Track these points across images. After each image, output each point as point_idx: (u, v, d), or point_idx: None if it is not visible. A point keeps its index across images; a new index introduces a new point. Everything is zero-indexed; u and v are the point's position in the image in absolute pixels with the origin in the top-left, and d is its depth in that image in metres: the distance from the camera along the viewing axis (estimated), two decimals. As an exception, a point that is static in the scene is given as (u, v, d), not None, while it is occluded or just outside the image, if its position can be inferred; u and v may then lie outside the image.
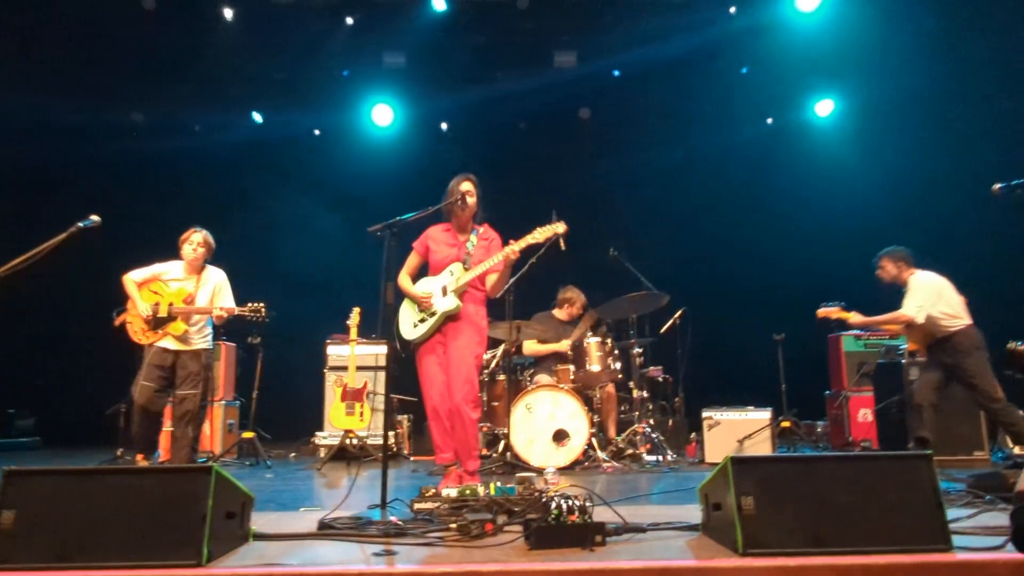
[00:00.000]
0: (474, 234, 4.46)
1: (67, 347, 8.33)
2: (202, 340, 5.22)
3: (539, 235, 4.20)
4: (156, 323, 5.07)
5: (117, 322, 5.21)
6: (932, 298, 5.19)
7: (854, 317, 5.50)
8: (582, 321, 6.43)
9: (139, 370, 5.06)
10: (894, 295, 5.44)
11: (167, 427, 5.71)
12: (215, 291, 5.28)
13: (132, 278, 5.18)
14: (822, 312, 5.60)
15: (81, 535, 2.54)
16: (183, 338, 5.09)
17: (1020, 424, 5.07)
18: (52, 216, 4.40)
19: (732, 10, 8.01)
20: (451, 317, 4.32)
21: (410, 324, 4.43)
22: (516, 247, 4.17)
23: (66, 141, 8.44)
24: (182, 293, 5.17)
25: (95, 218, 4.28)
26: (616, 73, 8.94)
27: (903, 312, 5.23)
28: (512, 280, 5.77)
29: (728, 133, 9.26)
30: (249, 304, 5.30)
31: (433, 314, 4.32)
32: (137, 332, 5.13)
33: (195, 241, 5.23)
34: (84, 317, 8.50)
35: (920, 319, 5.17)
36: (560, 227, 4.21)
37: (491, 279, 4.41)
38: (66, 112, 8.21)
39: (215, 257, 5.43)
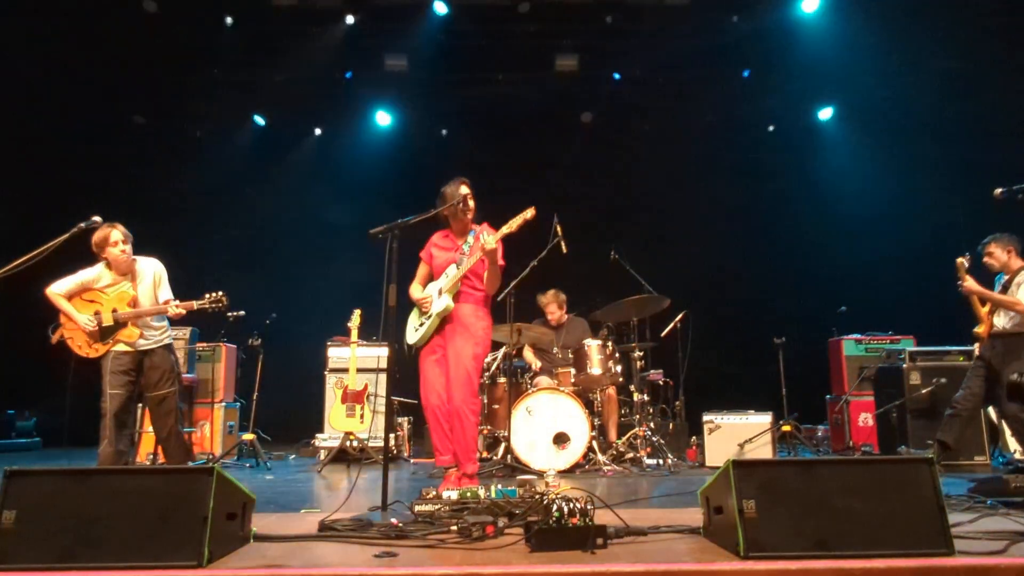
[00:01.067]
0: (471, 235, 4.48)
1: (67, 347, 8.32)
2: (163, 335, 4.81)
3: (512, 224, 4.22)
4: (103, 333, 4.65)
5: (55, 339, 4.72)
6: None
7: (968, 281, 5.26)
8: (567, 328, 6.48)
9: (100, 382, 4.62)
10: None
11: (151, 428, 5.23)
12: (155, 283, 4.80)
13: (57, 292, 4.67)
14: (960, 261, 5.30)
15: (82, 536, 2.54)
16: (138, 342, 4.69)
17: None
18: (53, 217, 4.41)
19: (735, 19, 8.00)
20: (447, 318, 4.33)
21: (412, 329, 4.48)
22: (491, 239, 4.17)
23: (69, 143, 8.45)
24: (124, 297, 4.70)
25: (97, 219, 4.28)
26: (617, 76, 8.95)
27: (1022, 299, 5.04)
28: (512, 284, 5.78)
29: (729, 136, 9.28)
30: (208, 295, 4.74)
31: (429, 316, 4.36)
32: (82, 346, 4.68)
33: (117, 239, 4.66)
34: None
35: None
36: (529, 212, 4.23)
37: (486, 276, 4.42)
38: (69, 114, 8.24)
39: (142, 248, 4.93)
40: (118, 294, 4.70)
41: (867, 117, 8.80)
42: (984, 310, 5.28)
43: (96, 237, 4.60)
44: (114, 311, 4.65)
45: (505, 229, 4.23)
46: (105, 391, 4.57)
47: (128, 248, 4.69)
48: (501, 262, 4.31)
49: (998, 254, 5.31)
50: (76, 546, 2.52)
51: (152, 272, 4.80)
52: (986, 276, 5.32)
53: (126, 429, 4.67)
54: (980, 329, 5.29)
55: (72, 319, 4.61)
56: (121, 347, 4.63)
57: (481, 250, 4.21)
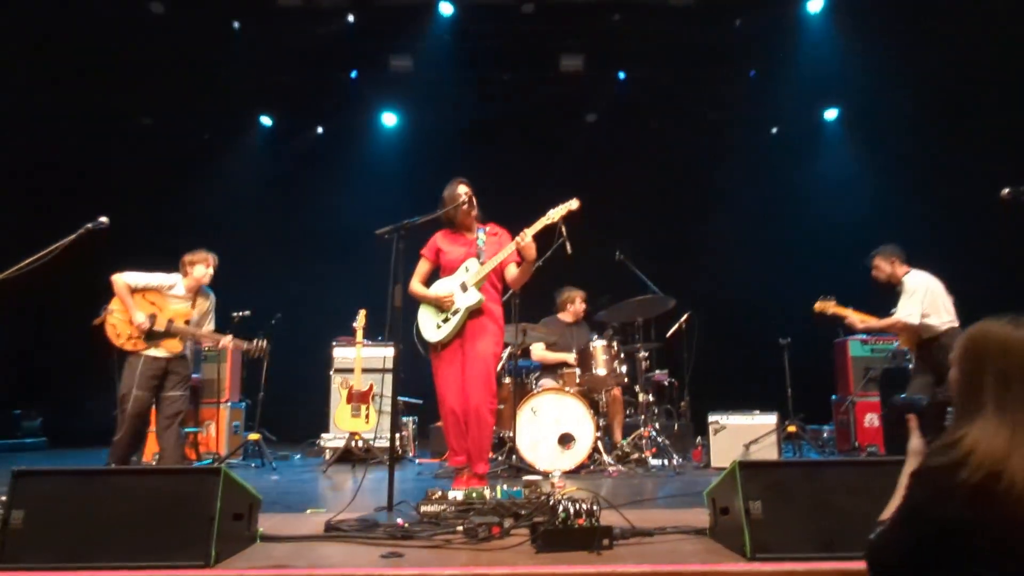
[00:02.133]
0: (481, 231, 4.49)
1: (74, 347, 8.35)
2: (186, 347, 5.19)
3: (554, 215, 4.22)
4: (150, 335, 4.90)
5: (98, 321, 4.97)
6: (927, 299, 5.15)
7: (852, 317, 5.46)
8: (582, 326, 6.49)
9: (123, 378, 4.89)
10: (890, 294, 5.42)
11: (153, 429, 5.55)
12: (204, 313, 5.26)
13: (126, 281, 4.96)
14: (819, 306, 5.57)
15: (89, 535, 2.55)
16: (177, 350, 5.02)
17: None
18: (61, 218, 4.42)
19: (740, 20, 7.98)
20: (473, 313, 4.32)
21: (433, 326, 4.43)
22: (528, 233, 4.18)
23: (77, 145, 8.49)
24: (183, 313, 5.06)
25: (104, 220, 4.30)
26: (622, 76, 8.95)
27: (899, 318, 5.19)
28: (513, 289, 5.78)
29: (735, 136, 9.26)
30: (257, 342, 5.43)
31: (456, 312, 4.33)
32: (121, 337, 4.91)
33: (212, 263, 5.21)
34: (91, 318, 8.56)
35: (915, 322, 5.14)
36: (574, 203, 4.23)
37: (511, 272, 4.42)
38: (77, 116, 8.27)
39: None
40: (178, 309, 5.09)
41: (873, 118, 8.77)
42: (898, 331, 5.39)
43: (195, 256, 5.16)
44: (171, 320, 5.01)
45: (545, 220, 4.22)
46: (132, 391, 4.85)
47: (211, 274, 5.24)
48: (535, 254, 4.27)
49: (883, 266, 5.41)
50: (84, 545, 2.53)
51: (210, 301, 5.31)
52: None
53: (141, 427, 4.98)
54: (901, 342, 5.42)
55: (129, 311, 4.91)
56: (155, 352, 4.95)
57: (520, 249, 4.19)
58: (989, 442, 1.33)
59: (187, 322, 5.07)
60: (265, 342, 5.41)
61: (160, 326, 4.95)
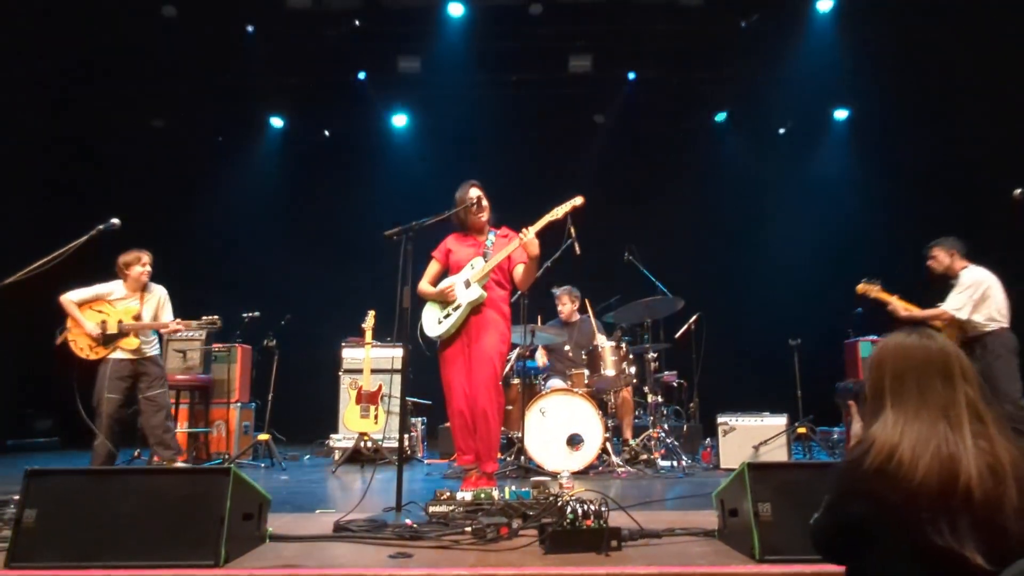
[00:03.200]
0: (492, 234, 4.50)
1: (69, 350, 8.42)
2: (153, 348, 5.45)
3: (558, 211, 4.22)
4: (106, 339, 5.22)
5: (59, 341, 5.29)
6: (979, 296, 5.07)
7: (896, 304, 5.35)
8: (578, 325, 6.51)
9: (96, 386, 5.18)
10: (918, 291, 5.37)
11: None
12: (158, 306, 5.51)
13: (71, 299, 5.28)
14: (862, 288, 5.45)
15: (100, 535, 2.57)
16: (138, 350, 5.28)
17: None
18: (73, 220, 4.46)
19: (748, 20, 7.95)
20: (475, 310, 4.33)
21: (435, 321, 4.45)
22: (531, 230, 4.18)
23: (88, 147, 8.55)
24: (130, 311, 5.33)
25: (115, 221, 4.34)
26: (631, 76, 8.94)
27: (947, 309, 5.12)
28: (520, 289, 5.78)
29: (744, 136, 9.24)
30: (204, 317, 5.60)
31: (458, 307, 4.34)
32: (84, 349, 5.24)
33: (146, 262, 5.43)
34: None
35: (963, 316, 5.07)
36: (578, 200, 4.22)
37: (518, 272, 4.42)
38: (87, 117, 8.33)
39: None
40: (125, 308, 5.34)
41: (882, 118, 8.73)
42: (941, 325, 5.24)
43: (128, 257, 5.38)
44: (120, 322, 5.27)
45: (550, 217, 4.22)
46: (102, 395, 5.17)
47: (149, 271, 5.45)
48: (537, 251, 4.27)
49: (941, 257, 5.34)
50: (95, 545, 2.55)
51: (159, 296, 5.53)
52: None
53: (117, 429, 5.23)
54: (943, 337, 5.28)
55: (79, 324, 5.22)
56: (120, 354, 5.24)
57: (523, 245, 4.20)
58: (886, 431, 1.56)
59: (136, 318, 5.32)
60: (216, 316, 5.64)
61: (112, 329, 5.25)
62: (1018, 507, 1.45)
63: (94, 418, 5.14)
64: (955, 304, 5.12)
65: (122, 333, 5.24)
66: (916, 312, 5.32)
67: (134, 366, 5.26)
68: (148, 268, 5.44)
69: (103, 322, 5.25)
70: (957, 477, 1.46)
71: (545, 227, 4.24)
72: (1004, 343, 5.05)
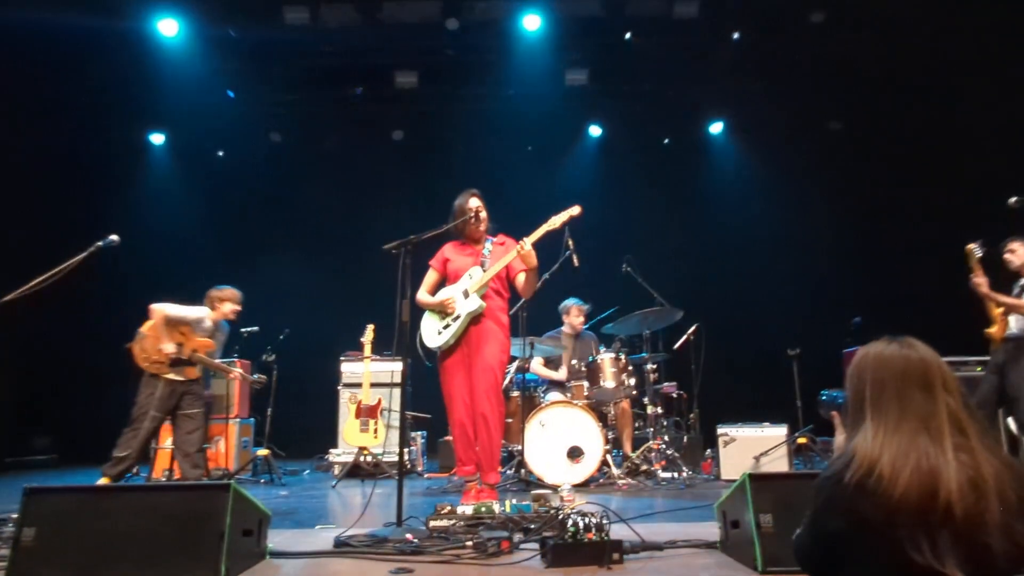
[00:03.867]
0: (489, 242, 4.51)
1: (84, 364, 8.40)
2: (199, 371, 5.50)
3: (555, 221, 4.24)
4: (173, 362, 5.20)
5: (130, 345, 5.27)
6: None
7: (980, 278, 5.14)
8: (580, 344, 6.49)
9: (140, 399, 5.13)
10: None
11: (167, 445, 5.96)
12: (221, 345, 5.64)
13: (165, 312, 5.24)
14: (971, 248, 5.21)
15: (100, 552, 2.56)
16: (192, 377, 5.33)
17: None
18: (70, 237, 4.46)
19: (741, 32, 8.00)
20: (475, 320, 4.33)
21: (434, 332, 4.45)
22: (528, 241, 4.20)
23: (86, 162, 8.57)
24: (207, 346, 5.38)
25: (114, 237, 4.33)
26: (626, 89, 8.98)
27: None
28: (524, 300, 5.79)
29: (739, 147, 9.28)
30: (257, 376, 6.03)
31: (457, 318, 4.34)
32: (146, 361, 5.19)
33: (239, 303, 5.55)
34: (100, 335, 8.60)
35: None
36: (575, 209, 4.24)
37: (520, 281, 4.44)
38: (86, 134, 8.35)
39: None
40: (204, 342, 5.39)
41: (879, 126, 8.77)
42: (998, 311, 5.16)
43: (224, 293, 5.52)
44: (194, 351, 5.30)
45: (546, 227, 4.24)
46: (148, 412, 5.10)
47: (239, 310, 5.59)
48: (535, 262, 4.28)
49: (1021, 251, 5.18)
50: (94, 562, 2.54)
51: (225, 334, 5.66)
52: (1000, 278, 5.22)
53: (149, 448, 5.35)
54: (993, 330, 5.17)
55: (162, 340, 5.20)
56: (174, 375, 5.22)
57: (520, 256, 4.21)
58: (866, 445, 1.52)
59: (209, 354, 5.38)
60: (264, 377, 5.95)
61: (184, 355, 5.25)
62: (1001, 523, 1.41)
63: (130, 427, 5.09)
64: None
65: (190, 362, 5.27)
66: (1003, 297, 5.11)
67: (183, 387, 5.27)
68: (239, 308, 5.57)
69: (180, 344, 5.25)
70: (937, 492, 1.42)
71: (543, 237, 4.26)
72: None
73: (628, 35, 7.81)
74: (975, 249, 5.17)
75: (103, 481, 5.02)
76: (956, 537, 1.40)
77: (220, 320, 5.53)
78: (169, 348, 5.17)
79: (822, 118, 9.18)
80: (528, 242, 4.21)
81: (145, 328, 5.26)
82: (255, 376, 6.00)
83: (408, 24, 7.93)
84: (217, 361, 5.48)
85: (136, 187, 8.99)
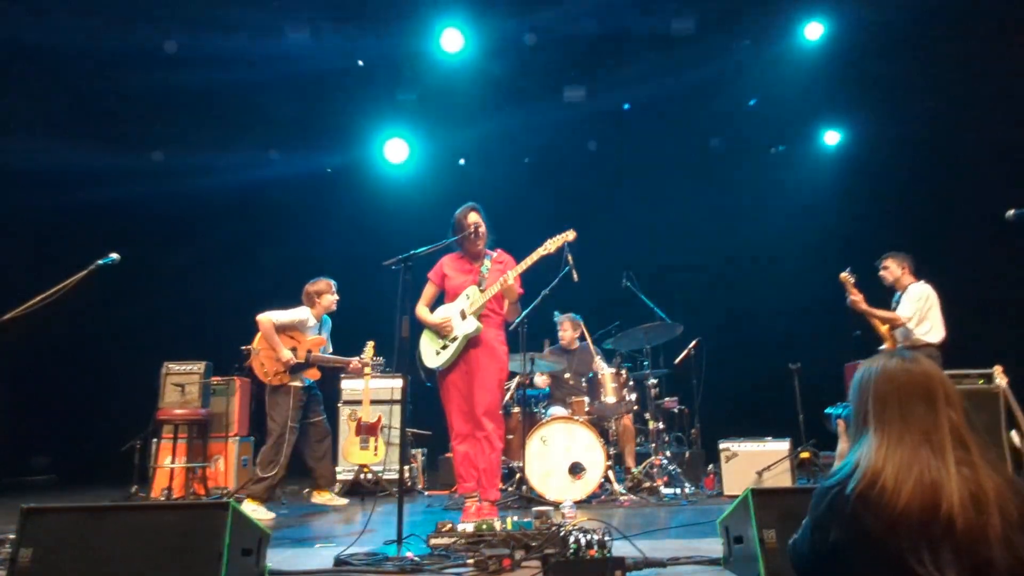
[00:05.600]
0: (488, 259, 4.52)
1: (82, 383, 8.38)
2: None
3: (550, 246, 4.26)
4: (293, 368, 5.20)
5: (248, 362, 5.30)
6: (925, 310, 5.41)
7: (858, 297, 5.54)
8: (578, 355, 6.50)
9: (274, 415, 5.15)
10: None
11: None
12: (328, 334, 5.65)
13: (272, 320, 5.23)
14: (844, 276, 5.61)
15: (98, 573, 2.53)
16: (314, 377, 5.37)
17: None
18: (72, 258, 4.46)
19: (740, 46, 8.05)
20: (472, 341, 4.33)
21: (432, 352, 4.46)
22: (511, 275, 4.23)
23: (86, 182, 8.58)
24: (318, 342, 5.38)
25: (115, 256, 4.33)
26: (626, 107, 9.03)
27: (903, 315, 5.42)
28: (525, 312, 5.79)
29: (739, 163, 9.30)
30: (374, 356, 5.99)
31: (455, 339, 4.35)
32: (268, 374, 5.20)
33: (335, 291, 5.53)
34: (100, 354, 8.59)
35: (913, 326, 5.38)
36: (570, 235, 4.27)
37: (507, 303, 4.46)
38: (86, 153, 8.37)
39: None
40: (314, 339, 5.38)
41: (876, 141, 8.81)
42: (885, 328, 5.55)
43: (319, 285, 5.47)
44: (309, 351, 5.23)
45: (542, 251, 4.26)
46: (287, 425, 5.13)
47: (337, 299, 5.54)
48: (520, 291, 4.35)
49: (893, 268, 5.67)
50: (92, 584, 2.51)
51: (329, 326, 5.63)
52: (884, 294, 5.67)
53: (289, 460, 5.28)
54: (885, 347, 5.46)
55: (277, 350, 5.15)
56: (297, 383, 5.23)
57: (503, 289, 4.24)
58: (870, 457, 1.56)
59: (323, 350, 5.42)
60: (381, 359, 6.02)
61: (301, 358, 5.27)
62: (1003, 536, 1.42)
63: (269, 445, 5.11)
64: (907, 312, 5.41)
65: (309, 364, 5.26)
66: (874, 310, 5.56)
67: (307, 393, 5.27)
68: (336, 296, 5.51)
69: (294, 349, 5.24)
70: (939, 505, 1.44)
71: (536, 262, 4.29)
72: (936, 359, 5.25)
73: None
74: (848, 277, 5.56)
75: (250, 503, 5.02)
76: (958, 549, 1.41)
77: (323, 313, 5.53)
78: (287, 355, 5.16)
79: (817, 129, 9.22)
80: (512, 275, 4.25)
81: (256, 342, 5.28)
82: (373, 359, 5.96)
83: (406, 40, 8.01)
84: (333, 356, 5.49)
85: (137, 209, 8.99)
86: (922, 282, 5.58)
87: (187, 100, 8.32)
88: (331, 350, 5.61)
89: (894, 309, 5.59)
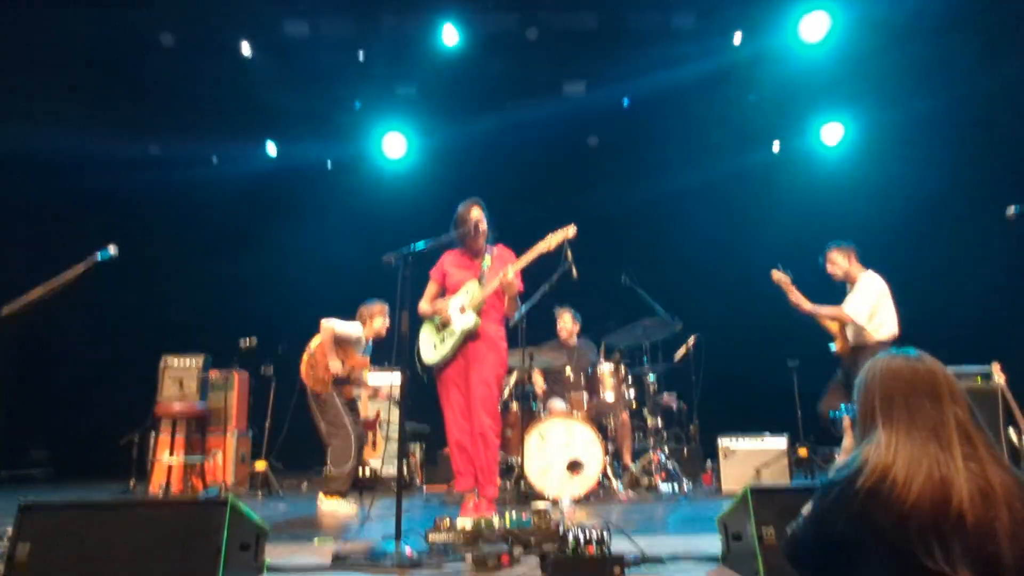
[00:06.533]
0: (488, 254, 4.51)
1: (81, 377, 8.37)
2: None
3: (551, 241, 4.25)
4: (335, 381, 5.25)
5: (306, 357, 5.32)
6: (878, 304, 5.08)
7: (797, 295, 5.31)
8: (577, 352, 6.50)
9: (330, 418, 5.22)
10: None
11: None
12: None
13: (335, 329, 5.27)
14: (778, 275, 5.42)
15: (96, 569, 2.53)
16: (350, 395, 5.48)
17: None
18: (70, 249, 4.45)
19: (737, 39, 8.03)
20: (471, 336, 4.32)
21: (430, 347, 4.45)
22: (511, 270, 4.21)
23: (84, 173, 8.56)
24: (363, 364, 5.44)
25: (112, 250, 4.32)
26: (625, 102, 9.01)
27: (847, 311, 5.09)
28: (524, 309, 5.78)
29: (738, 159, 9.28)
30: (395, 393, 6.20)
31: (452, 333, 4.34)
32: (311, 378, 5.25)
33: (386, 319, 5.54)
34: (98, 348, 8.57)
35: (861, 321, 5.05)
36: (571, 231, 4.25)
37: (507, 299, 4.45)
38: (84, 144, 8.34)
39: None
40: (362, 360, 5.46)
41: (876, 137, 8.79)
42: (834, 326, 5.27)
43: (374, 308, 5.51)
44: (353, 368, 5.35)
45: (543, 246, 4.25)
46: (344, 420, 5.23)
47: (387, 325, 5.56)
48: (520, 287, 4.33)
49: (839, 261, 5.31)
50: (90, 579, 2.50)
51: (370, 351, 5.67)
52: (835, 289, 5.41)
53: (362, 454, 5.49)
54: (837, 345, 5.28)
55: (328, 357, 5.21)
56: (335, 393, 5.29)
57: (502, 284, 4.23)
58: (878, 453, 1.57)
59: (364, 369, 5.49)
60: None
61: (345, 373, 5.29)
62: (1011, 531, 1.44)
63: (336, 442, 5.18)
64: (855, 307, 5.07)
65: (350, 381, 5.36)
66: (819, 308, 5.29)
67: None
68: (388, 322, 5.54)
69: (343, 362, 5.28)
70: (950, 499, 1.46)
71: (536, 259, 4.28)
72: None
73: None
74: (781, 275, 5.37)
75: (327, 499, 5.10)
76: (968, 544, 1.43)
77: (372, 337, 5.56)
78: (336, 366, 5.19)
79: (818, 124, 9.21)
80: (512, 270, 4.22)
81: (314, 345, 5.30)
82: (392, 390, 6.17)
83: (406, 34, 7.99)
84: (372, 385, 5.78)
85: (135, 201, 8.96)
86: (872, 272, 5.27)
87: (185, 90, 8.29)
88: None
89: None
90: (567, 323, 6.61)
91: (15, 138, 7.59)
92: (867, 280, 5.18)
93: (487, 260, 4.49)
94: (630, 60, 8.19)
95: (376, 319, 5.49)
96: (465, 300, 4.39)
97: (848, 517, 1.54)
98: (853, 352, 5.16)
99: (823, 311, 5.28)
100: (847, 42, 7.87)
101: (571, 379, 6.29)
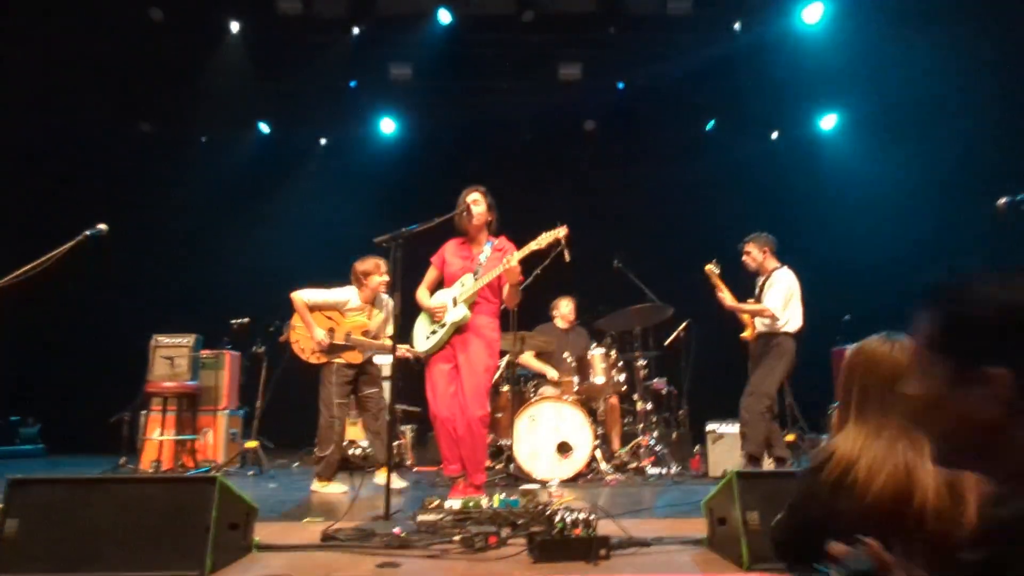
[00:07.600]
0: (488, 245, 4.51)
1: (72, 354, 8.35)
2: (369, 352, 5.29)
3: (542, 240, 4.25)
4: (331, 348, 5.09)
5: (283, 338, 5.25)
6: (789, 297, 5.29)
7: (725, 293, 5.48)
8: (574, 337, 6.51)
9: (322, 395, 5.11)
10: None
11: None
12: (384, 321, 5.35)
13: (304, 299, 5.14)
14: (709, 269, 5.55)
15: (84, 544, 2.54)
16: (361, 361, 5.19)
17: (763, 438, 5.23)
18: (59, 225, 4.42)
19: (736, 26, 8.00)
20: (461, 328, 4.34)
21: (423, 336, 4.49)
22: (515, 257, 4.21)
23: (74, 152, 8.49)
24: (360, 325, 5.17)
25: (102, 227, 4.29)
26: (620, 86, 8.97)
27: (768, 307, 5.28)
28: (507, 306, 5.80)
29: (733, 146, 9.27)
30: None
31: (443, 325, 4.36)
32: (305, 351, 5.15)
33: (385, 272, 5.19)
34: (89, 324, 8.54)
35: (779, 316, 5.24)
36: (561, 231, 4.25)
37: (506, 290, 4.46)
38: (74, 123, 8.27)
39: None
40: (355, 321, 5.17)
41: (873, 124, 8.78)
42: (747, 316, 5.50)
43: (366, 265, 5.18)
44: (348, 333, 5.12)
45: (533, 245, 4.25)
46: (332, 401, 5.05)
47: (388, 280, 5.17)
48: (520, 277, 4.32)
49: (755, 253, 5.50)
50: (78, 555, 2.52)
51: (386, 309, 5.33)
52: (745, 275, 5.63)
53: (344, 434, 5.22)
54: (747, 334, 5.49)
55: (309, 329, 5.05)
56: (340, 360, 5.11)
57: (505, 272, 4.23)
58: (846, 446, 1.59)
59: (365, 333, 5.19)
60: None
61: (339, 339, 5.11)
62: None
63: (321, 424, 5.08)
64: (775, 303, 5.26)
65: (348, 346, 5.11)
66: (743, 306, 5.48)
67: (353, 369, 5.16)
68: (387, 278, 5.19)
69: (331, 330, 5.11)
70: (912, 497, 1.48)
71: (528, 254, 4.28)
72: (791, 348, 5.30)
73: None
74: (713, 268, 5.49)
75: (319, 483, 5.04)
76: (929, 539, 1.44)
77: (372, 295, 5.27)
78: (319, 334, 5.05)
79: (814, 112, 9.19)
80: (515, 258, 4.22)
81: (294, 319, 5.21)
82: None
83: (401, 15, 7.92)
84: (377, 341, 5.21)
85: (126, 180, 8.90)
86: (785, 268, 5.45)
87: (177, 69, 8.21)
88: (390, 332, 5.14)
89: (757, 295, 5.44)
90: (563, 310, 6.62)
91: (2, 116, 7.52)
92: (781, 274, 5.39)
93: (486, 251, 4.49)
94: (626, 43, 8.16)
95: (371, 278, 5.23)
96: (458, 293, 4.41)
97: (818, 505, 1.58)
98: (761, 339, 5.39)
99: (748, 308, 5.46)
100: (844, 26, 7.84)
101: (568, 360, 6.28)
